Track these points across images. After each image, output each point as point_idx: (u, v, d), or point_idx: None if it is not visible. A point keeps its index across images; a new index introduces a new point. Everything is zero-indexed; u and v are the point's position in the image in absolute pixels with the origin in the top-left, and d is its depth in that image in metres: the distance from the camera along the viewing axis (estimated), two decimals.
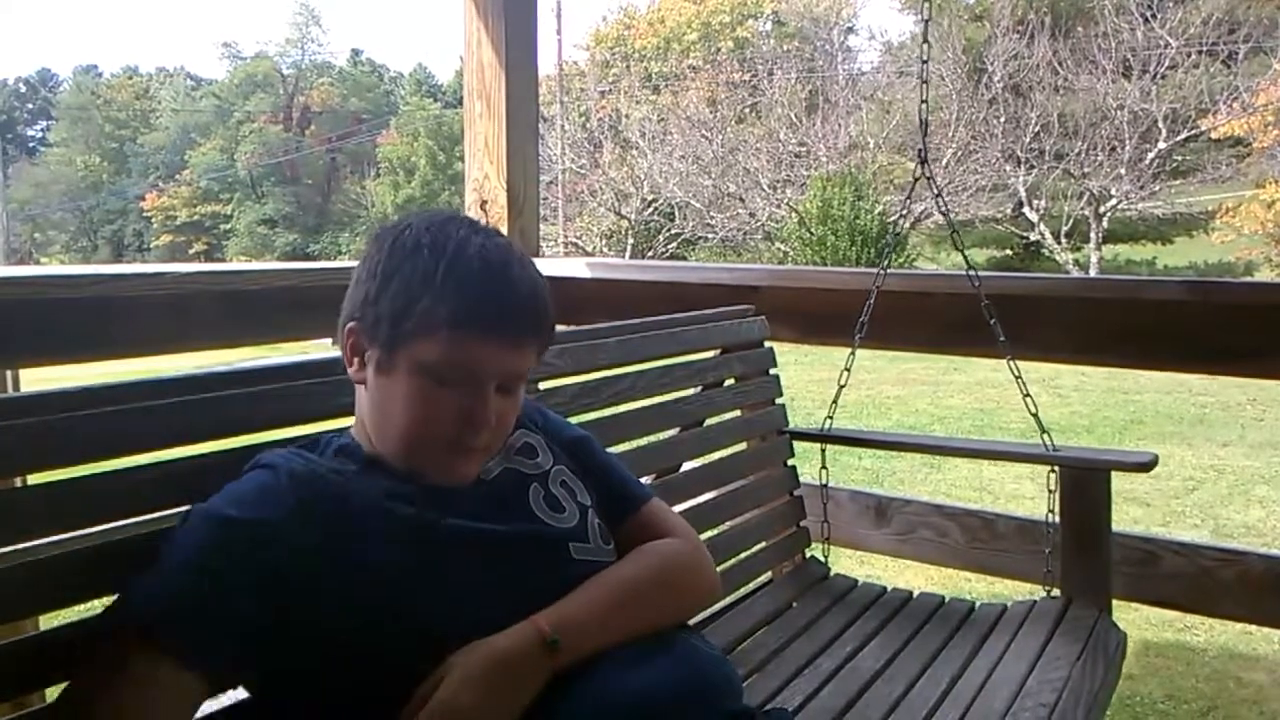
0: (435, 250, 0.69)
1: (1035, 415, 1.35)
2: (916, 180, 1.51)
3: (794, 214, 14.46)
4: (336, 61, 30.34)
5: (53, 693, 0.79)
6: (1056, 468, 1.29)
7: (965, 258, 1.48)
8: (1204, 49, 13.45)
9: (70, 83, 31.85)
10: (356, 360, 0.72)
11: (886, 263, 1.47)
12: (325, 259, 22.79)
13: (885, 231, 13.67)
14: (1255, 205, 13.43)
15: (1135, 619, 2.48)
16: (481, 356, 0.68)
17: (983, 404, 6.30)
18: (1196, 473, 4.52)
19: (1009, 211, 15.25)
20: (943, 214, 1.58)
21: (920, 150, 1.48)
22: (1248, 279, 12.21)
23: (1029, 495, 4.01)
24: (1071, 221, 14.59)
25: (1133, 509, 3.96)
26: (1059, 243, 14.60)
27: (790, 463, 1.47)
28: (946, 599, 1.35)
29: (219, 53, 40.90)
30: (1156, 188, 13.92)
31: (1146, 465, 1.25)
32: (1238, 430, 5.53)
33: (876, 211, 13.82)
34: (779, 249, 14.92)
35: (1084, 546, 1.28)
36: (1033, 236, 15.03)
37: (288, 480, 0.68)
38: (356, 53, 31.74)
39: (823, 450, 1.44)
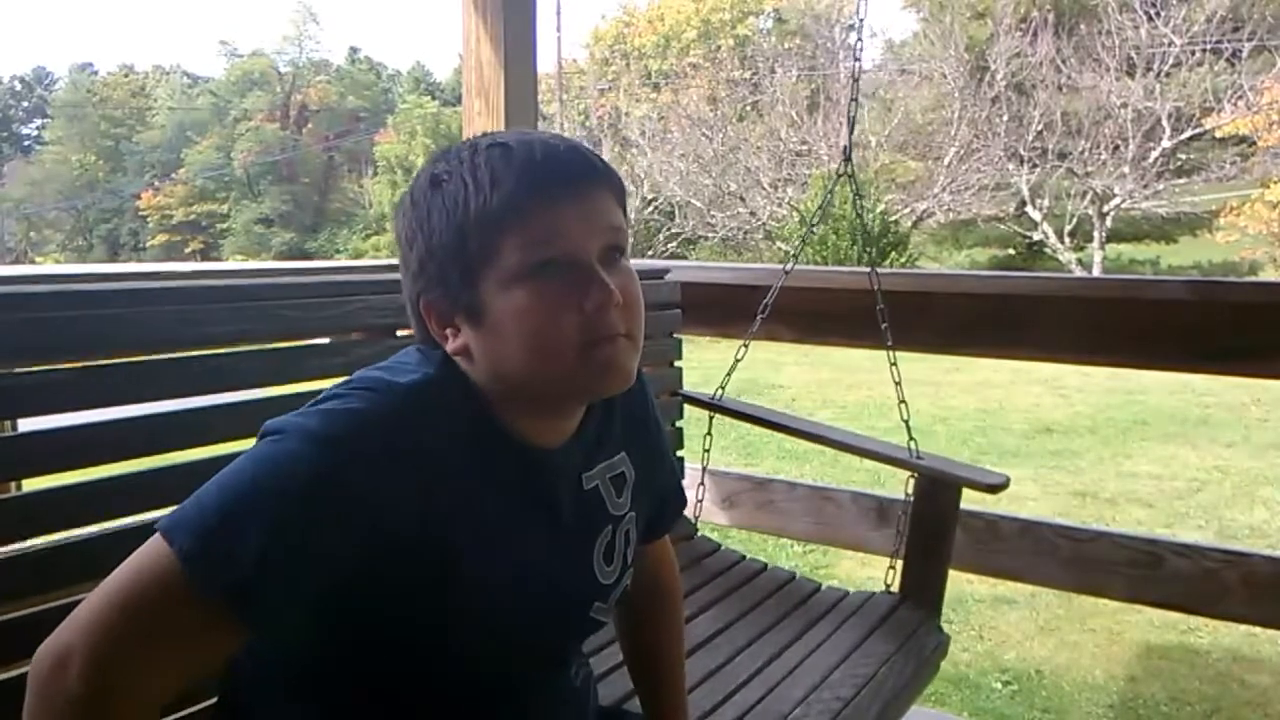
0: (452, 173, 0.62)
1: (906, 421, 1.40)
2: (840, 176, 1.55)
3: (795, 213, 14.44)
4: (334, 59, 30.36)
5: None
6: (915, 474, 1.34)
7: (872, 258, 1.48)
8: (1208, 47, 13.40)
9: (66, 80, 31.85)
10: (449, 330, 0.63)
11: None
12: (322, 258, 22.78)
13: (887, 230, 13.65)
14: (1259, 204, 13.39)
15: (1139, 620, 2.47)
16: (560, 222, 0.59)
17: (985, 404, 6.28)
18: (1200, 474, 4.50)
19: (1011, 210, 15.22)
20: (857, 213, 1.61)
21: (845, 148, 1.53)
22: (1252, 278, 12.19)
23: (1031, 497, 4.00)
24: (1075, 220, 14.56)
25: (1136, 510, 3.95)
26: (1062, 242, 14.57)
27: (679, 424, 1.52)
28: (796, 575, 1.40)
29: (216, 50, 40.98)
30: (1160, 186, 13.88)
31: (996, 486, 1.28)
32: (1242, 431, 5.52)
33: (878, 210, 13.79)
34: (779, 248, 14.90)
35: (927, 551, 1.33)
36: (1036, 236, 15.00)
37: (401, 422, 0.58)
38: (354, 51, 31.77)
39: (710, 418, 1.50)
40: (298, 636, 0.58)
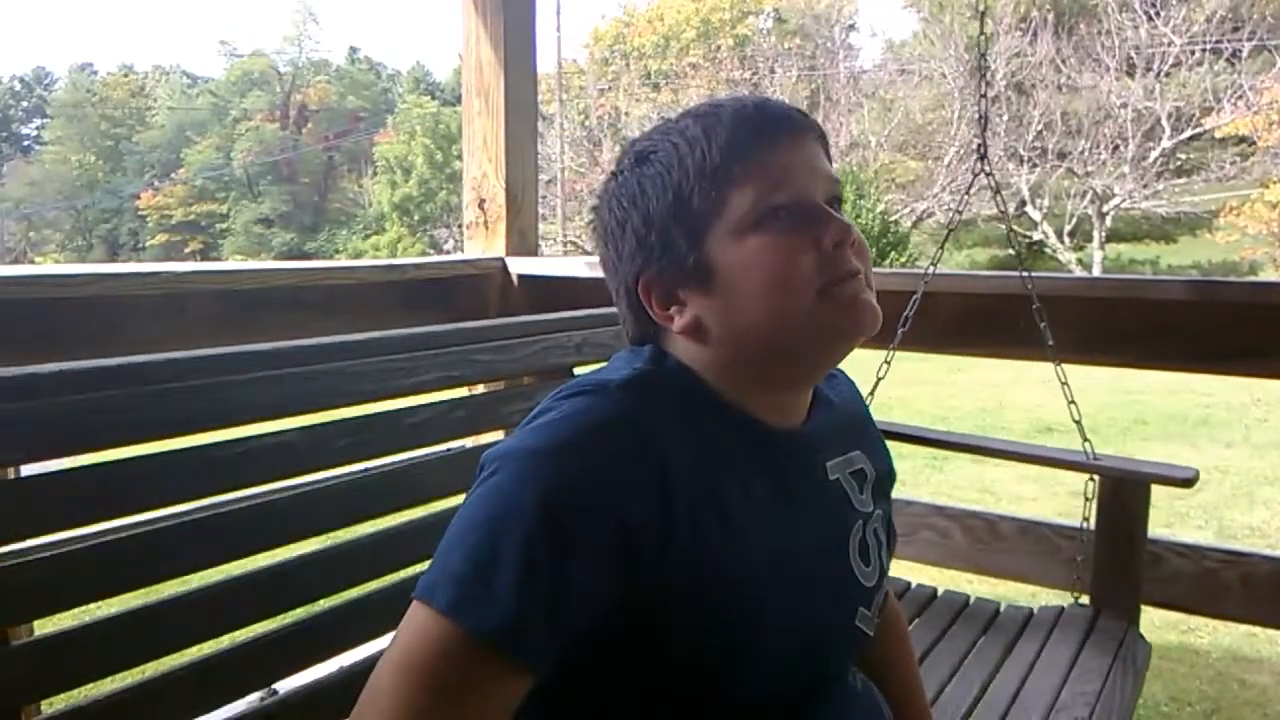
0: (658, 144, 0.59)
1: (1078, 422, 1.35)
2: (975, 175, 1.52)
3: None
4: (334, 59, 30.40)
5: (48, 705, 0.77)
6: (1095, 476, 1.29)
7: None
8: (1208, 47, 13.41)
9: (65, 81, 31.87)
10: (674, 308, 0.59)
11: (933, 263, 1.47)
12: (322, 258, 22.77)
13: (887, 230, 13.65)
14: (1259, 204, 13.40)
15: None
16: (788, 164, 0.57)
17: (985, 404, 6.28)
18: (1200, 473, 4.50)
19: (1012, 210, 15.21)
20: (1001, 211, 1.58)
21: (980, 146, 1.51)
22: (1251, 278, 12.18)
23: (1030, 496, 4.00)
24: (1074, 220, 14.57)
25: None
26: (1062, 242, 14.58)
27: None
28: (973, 598, 1.34)
29: (215, 50, 40.99)
30: (1160, 186, 13.89)
31: (1189, 480, 1.23)
32: (1242, 431, 5.51)
33: (878, 210, 13.80)
34: None
35: (1118, 557, 1.28)
36: (1036, 235, 15.00)
37: (626, 417, 0.54)
38: (354, 50, 31.82)
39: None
40: (574, 669, 0.54)
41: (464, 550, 0.50)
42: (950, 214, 14.67)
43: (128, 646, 0.74)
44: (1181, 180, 13.96)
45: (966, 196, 1.80)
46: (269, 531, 0.82)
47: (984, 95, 1.46)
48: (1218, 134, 13.63)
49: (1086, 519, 1.31)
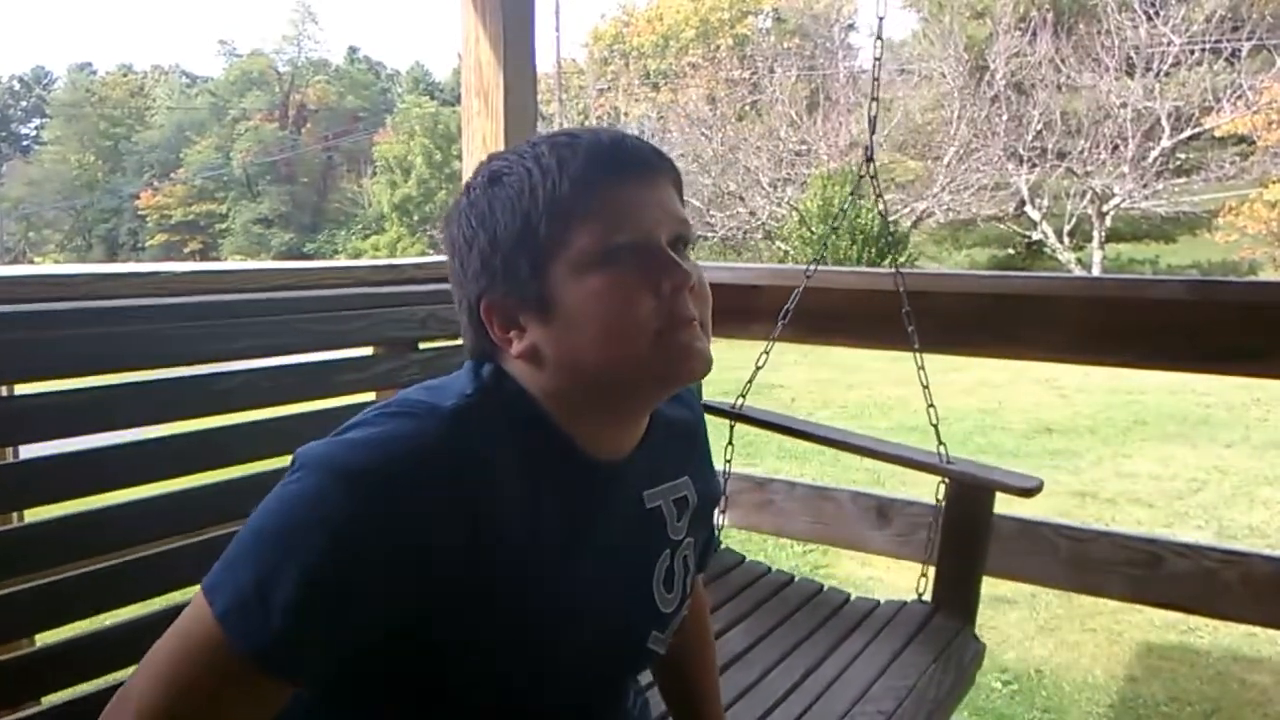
0: (513, 166, 0.59)
1: (935, 426, 1.38)
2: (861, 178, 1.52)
3: (795, 213, 14.44)
4: (333, 59, 30.36)
5: (49, 699, 0.80)
6: (946, 479, 1.32)
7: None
8: (1207, 46, 13.41)
9: (65, 80, 31.85)
10: (514, 332, 0.59)
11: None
12: (321, 259, 22.76)
13: (887, 230, 13.63)
14: (1259, 204, 13.40)
15: (1139, 620, 2.46)
16: (633, 205, 0.58)
17: (984, 404, 6.28)
18: (1200, 474, 4.50)
19: (1011, 210, 15.22)
20: (880, 213, 1.58)
21: (867, 148, 1.52)
22: (1251, 278, 12.19)
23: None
24: (1074, 220, 14.56)
25: (1136, 510, 3.95)
26: (1061, 242, 14.57)
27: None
28: (825, 587, 1.38)
29: (214, 50, 40.86)
30: (1160, 186, 13.88)
31: (1030, 490, 1.25)
32: (1241, 431, 5.51)
33: (878, 209, 13.78)
34: (779, 248, 14.90)
35: (959, 559, 1.31)
36: (1035, 235, 15.00)
37: (442, 449, 0.53)
38: (353, 50, 31.75)
39: (731, 428, 1.47)
40: (342, 685, 0.55)
41: (251, 560, 0.50)
42: (947, 213, 14.68)
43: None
44: (1181, 180, 13.95)
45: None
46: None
47: (876, 98, 1.48)
48: (1217, 134, 13.63)
49: (935, 519, 1.35)
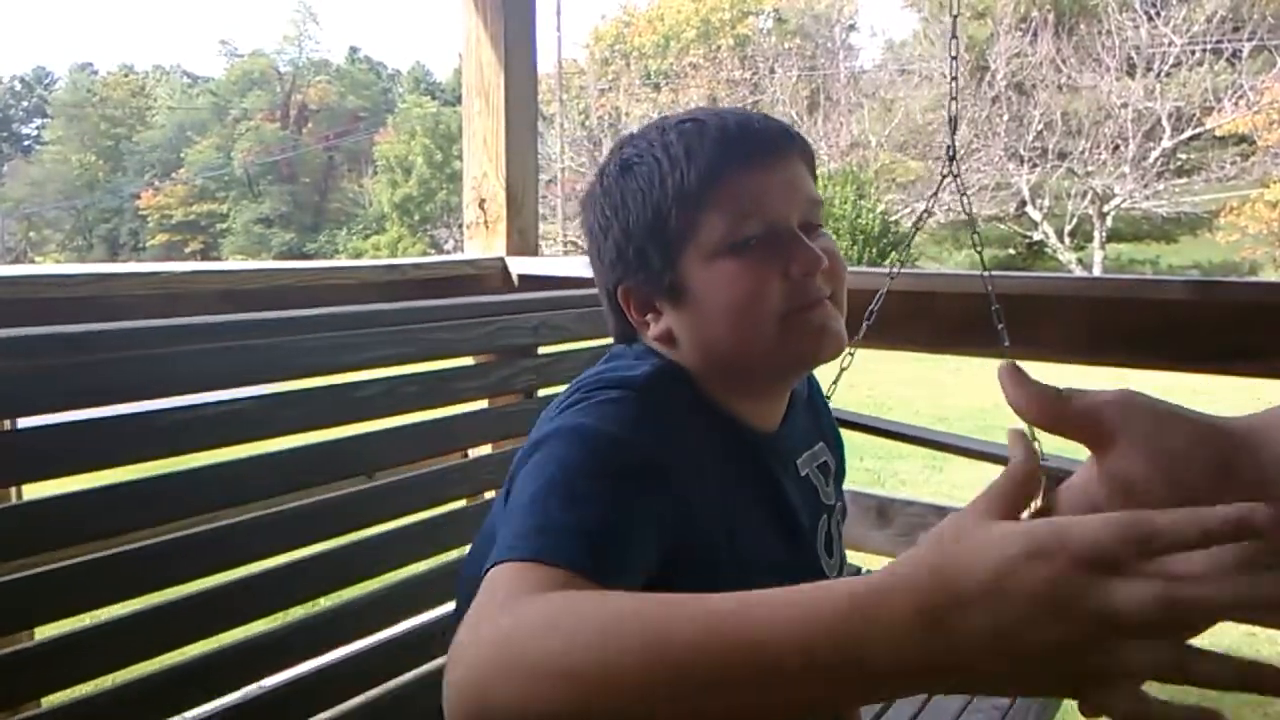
0: (643, 154, 0.60)
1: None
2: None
3: None
4: (334, 59, 30.38)
5: (49, 700, 0.78)
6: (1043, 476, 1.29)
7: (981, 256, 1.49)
8: (1208, 47, 13.42)
9: (66, 80, 31.87)
10: (650, 315, 0.62)
11: (893, 260, 1.47)
12: (322, 259, 22.79)
13: (887, 230, 13.65)
14: (1260, 204, 13.41)
15: None
16: (761, 192, 0.59)
17: (984, 404, 6.29)
18: None
19: (1012, 210, 15.24)
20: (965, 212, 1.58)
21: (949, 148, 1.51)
22: (1252, 278, 12.18)
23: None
24: (1075, 220, 14.58)
25: None
26: (1062, 242, 14.58)
27: None
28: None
29: (215, 50, 41.02)
30: (1160, 186, 13.90)
31: None
32: None
33: (878, 210, 13.81)
34: None
35: None
36: (1036, 235, 15.02)
37: (656, 413, 0.56)
38: (354, 50, 31.78)
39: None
40: None
41: (539, 506, 0.49)
42: (948, 213, 14.70)
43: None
44: (1182, 180, 13.97)
45: (935, 198, 1.81)
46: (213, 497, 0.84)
47: (953, 98, 1.46)
48: (1218, 134, 13.64)
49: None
